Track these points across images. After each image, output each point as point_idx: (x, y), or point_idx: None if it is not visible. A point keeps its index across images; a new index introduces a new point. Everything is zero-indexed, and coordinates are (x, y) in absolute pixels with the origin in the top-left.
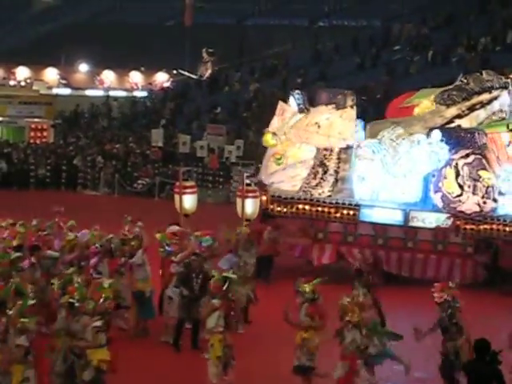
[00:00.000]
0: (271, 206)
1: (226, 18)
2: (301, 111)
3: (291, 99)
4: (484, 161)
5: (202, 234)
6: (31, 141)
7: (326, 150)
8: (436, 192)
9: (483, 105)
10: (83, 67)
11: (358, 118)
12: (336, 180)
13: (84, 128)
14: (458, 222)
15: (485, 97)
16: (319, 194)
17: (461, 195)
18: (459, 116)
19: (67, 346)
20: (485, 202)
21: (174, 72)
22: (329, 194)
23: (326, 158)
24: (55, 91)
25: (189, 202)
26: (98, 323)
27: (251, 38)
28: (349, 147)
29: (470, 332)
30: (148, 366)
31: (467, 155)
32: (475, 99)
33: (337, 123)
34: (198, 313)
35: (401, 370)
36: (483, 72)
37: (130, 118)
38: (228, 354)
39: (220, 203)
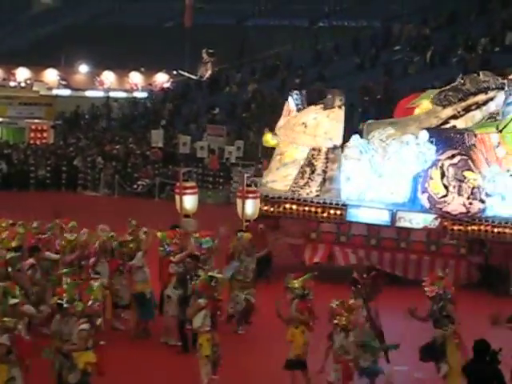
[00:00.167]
0: (260, 205)
1: (226, 18)
2: (299, 111)
3: (290, 99)
4: (470, 162)
5: (201, 235)
6: (31, 142)
7: (314, 149)
8: (423, 192)
9: (479, 106)
10: (83, 68)
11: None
12: (324, 180)
13: (84, 129)
14: (446, 223)
15: (481, 98)
16: (307, 194)
17: (446, 196)
18: (454, 117)
19: (55, 347)
20: (471, 203)
21: (174, 73)
22: (317, 193)
23: (314, 158)
24: (55, 92)
25: (189, 202)
26: (85, 326)
27: (251, 39)
28: (336, 147)
29: (461, 329)
30: (148, 367)
31: (453, 156)
32: (471, 100)
33: (323, 123)
34: None
35: (401, 370)
36: (480, 73)
37: (130, 118)
38: (216, 353)
39: (220, 204)
